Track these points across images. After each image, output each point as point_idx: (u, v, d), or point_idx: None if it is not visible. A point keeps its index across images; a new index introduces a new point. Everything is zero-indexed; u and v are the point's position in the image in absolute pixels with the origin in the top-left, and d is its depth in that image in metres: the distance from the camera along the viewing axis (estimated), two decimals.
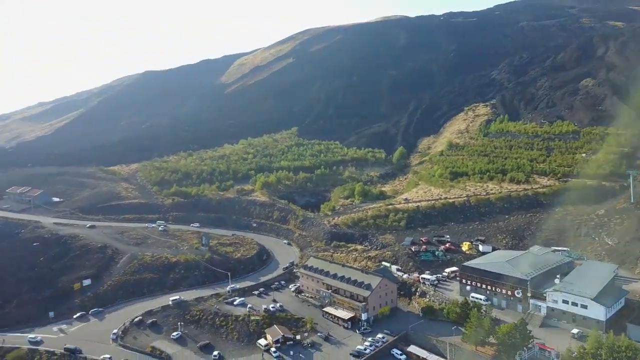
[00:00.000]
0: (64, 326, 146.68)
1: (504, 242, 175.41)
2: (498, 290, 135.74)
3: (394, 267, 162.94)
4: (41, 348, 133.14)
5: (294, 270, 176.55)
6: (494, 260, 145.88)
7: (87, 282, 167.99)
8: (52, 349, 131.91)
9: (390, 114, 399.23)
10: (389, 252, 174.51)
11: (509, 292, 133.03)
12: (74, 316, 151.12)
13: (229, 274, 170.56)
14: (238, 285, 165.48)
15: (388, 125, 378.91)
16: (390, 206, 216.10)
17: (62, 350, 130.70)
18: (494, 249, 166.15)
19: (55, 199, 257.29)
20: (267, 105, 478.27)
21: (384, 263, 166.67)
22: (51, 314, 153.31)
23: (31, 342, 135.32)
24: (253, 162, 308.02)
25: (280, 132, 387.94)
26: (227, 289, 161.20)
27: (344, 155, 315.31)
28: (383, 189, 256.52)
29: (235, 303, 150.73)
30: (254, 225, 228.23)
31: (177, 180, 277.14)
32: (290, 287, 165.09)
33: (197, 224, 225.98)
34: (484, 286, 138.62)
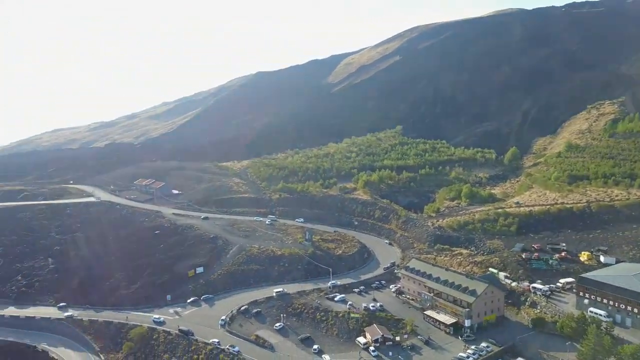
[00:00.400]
0: (178, 309, 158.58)
1: (631, 254, 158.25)
2: (622, 306, 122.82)
3: (501, 274, 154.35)
4: (159, 328, 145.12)
5: (395, 270, 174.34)
6: (618, 273, 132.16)
7: (199, 269, 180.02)
8: (168, 329, 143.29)
9: (502, 113, 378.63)
10: (497, 258, 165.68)
11: (636, 310, 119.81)
12: (188, 300, 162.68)
13: (331, 270, 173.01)
14: (339, 282, 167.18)
15: (499, 124, 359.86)
16: (500, 210, 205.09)
17: (177, 331, 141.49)
18: (617, 261, 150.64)
19: (175, 191, 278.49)
20: (372, 104, 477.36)
21: (490, 269, 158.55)
22: (168, 297, 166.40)
23: (155, 322, 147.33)
24: (356, 160, 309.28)
25: (384, 130, 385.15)
26: (328, 284, 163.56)
27: (451, 155, 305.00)
28: (492, 191, 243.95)
29: (335, 299, 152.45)
30: (356, 223, 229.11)
31: (284, 176, 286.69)
32: (390, 287, 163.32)
33: (301, 219, 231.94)
34: (605, 301, 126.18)
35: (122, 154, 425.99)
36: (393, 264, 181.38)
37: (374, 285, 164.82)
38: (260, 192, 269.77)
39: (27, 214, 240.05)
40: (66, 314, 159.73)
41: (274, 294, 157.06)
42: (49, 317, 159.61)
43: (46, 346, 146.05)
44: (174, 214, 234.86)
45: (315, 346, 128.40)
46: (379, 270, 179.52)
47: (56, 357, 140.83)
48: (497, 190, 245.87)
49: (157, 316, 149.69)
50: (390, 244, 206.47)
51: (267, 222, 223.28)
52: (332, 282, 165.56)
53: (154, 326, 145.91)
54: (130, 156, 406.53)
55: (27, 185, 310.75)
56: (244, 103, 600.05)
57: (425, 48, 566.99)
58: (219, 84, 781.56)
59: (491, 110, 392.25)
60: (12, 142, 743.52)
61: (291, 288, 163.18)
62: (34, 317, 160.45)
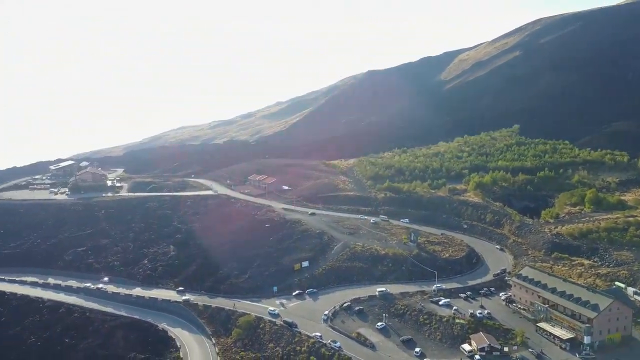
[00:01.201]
0: (284, 301, 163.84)
1: None
2: None
3: (630, 290, 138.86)
4: (265, 317, 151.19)
5: (506, 278, 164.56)
6: None
7: (305, 263, 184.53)
8: (273, 320, 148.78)
9: (637, 111, 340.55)
10: (625, 272, 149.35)
11: None
12: (293, 293, 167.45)
13: (436, 273, 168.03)
14: (444, 286, 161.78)
15: (634, 123, 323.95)
16: (630, 218, 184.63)
17: (282, 322, 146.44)
18: None
19: (285, 187, 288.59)
20: (487, 101, 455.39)
21: (617, 283, 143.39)
22: (275, 288, 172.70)
23: (270, 314, 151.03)
24: (467, 160, 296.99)
25: (499, 129, 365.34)
26: (433, 287, 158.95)
27: (574, 157, 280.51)
28: (622, 197, 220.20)
29: (440, 303, 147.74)
30: (464, 226, 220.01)
31: (390, 175, 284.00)
32: (500, 295, 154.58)
33: (407, 220, 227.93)
34: None
35: (238, 151, 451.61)
36: (504, 271, 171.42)
37: (482, 291, 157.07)
38: (366, 191, 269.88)
39: (154, 204, 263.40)
40: (184, 297, 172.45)
41: (377, 293, 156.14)
42: (169, 300, 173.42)
43: (166, 326, 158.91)
44: (283, 208, 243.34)
45: (417, 349, 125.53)
46: (488, 277, 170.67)
47: (174, 337, 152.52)
48: (628, 197, 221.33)
49: (272, 308, 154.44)
50: (501, 249, 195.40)
51: (371, 221, 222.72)
52: (437, 285, 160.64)
53: (262, 315, 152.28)
54: (245, 153, 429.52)
55: (155, 178, 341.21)
56: (354, 102, 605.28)
57: (549, 42, 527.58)
58: (329, 83, 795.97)
59: (623, 108, 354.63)
60: (144, 138, 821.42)
61: (394, 288, 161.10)
62: (156, 299, 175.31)
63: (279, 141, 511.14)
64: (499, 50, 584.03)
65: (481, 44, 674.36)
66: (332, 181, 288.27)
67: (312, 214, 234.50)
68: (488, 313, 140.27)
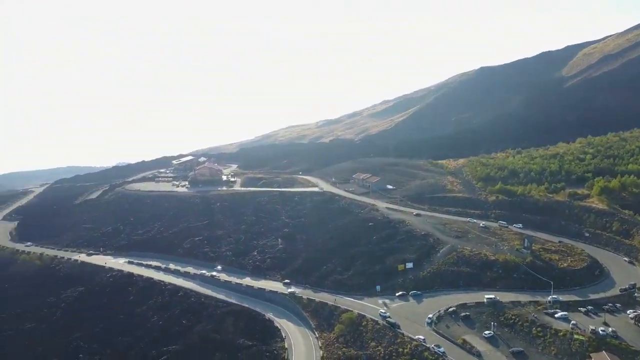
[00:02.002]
0: (387, 301, 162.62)
1: None
2: None
3: None
4: (368, 315, 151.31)
5: (635, 294, 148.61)
6: None
7: (409, 265, 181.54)
8: (375, 319, 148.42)
9: None
10: None
11: None
12: (396, 294, 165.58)
13: (552, 283, 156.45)
14: (561, 298, 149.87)
15: None
16: None
17: (384, 322, 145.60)
18: None
19: (389, 187, 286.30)
20: (616, 98, 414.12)
21: None
22: (378, 287, 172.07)
23: (382, 316, 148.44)
24: (591, 163, 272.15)
25: (630, 130, 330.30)
26: (549, 298, 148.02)
27: None
28: None
29: (556, 316, 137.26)
30: (586, 234, 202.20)
31: (503, 177, 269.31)
32: (627, 312, 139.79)
33: (520, 225, 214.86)
34: None
35: (343, 149, 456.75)
36: (633, 286, 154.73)
37: (606, 307, 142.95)
38: (475, 193, 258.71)
39: (264, 199, 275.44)
40: (289, 290, 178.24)
41: (485, 300, 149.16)
42: (276, 291, 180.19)
43: (272, 316, 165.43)
44: (387, 208, 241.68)
45: None
46: (614, 291, 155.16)
47: (279, 327, 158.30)
48: None
49: (383, 310, 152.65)
50: (630, 262, 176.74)
51: (481, 225, 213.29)
52: (553, 296, 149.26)
53: (364, 313, 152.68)
54: (350, 151, 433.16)
55: (265, 174, 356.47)
56: (464, 99, 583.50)
57: None
58: (437, 81, 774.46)
59: None
60: (257, 136, 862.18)
61: (504, 296, 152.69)
62: (264, 289, 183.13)
63: (385, 140, 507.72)
64: (631, 42, 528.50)
65: (609, 36, 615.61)
66: (438, 181, 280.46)
67: (417, 214, 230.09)
68: (613, 331, 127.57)
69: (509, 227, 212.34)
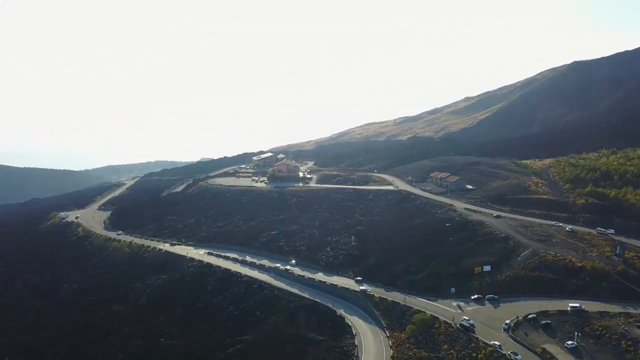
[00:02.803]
0: (461, 303, 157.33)
1: None
2: None
3: None
4: (441, 317, 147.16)
5: None
6: None
7: (487, 268, 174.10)
8: (449, 321, 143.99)
9: None
10: None
11: None
12: (472, 297, 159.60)
13: None
14: None
15: None
16: None
17: (458, 325, 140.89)
18: None
19: (469, 186, 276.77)
20: None
21: None
22: (453, 289, 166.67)
23: (464, 325, 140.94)
24: None
25: None
26: None
27: None
28: None
29: None
30: None
31: (594, 179, 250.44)
32: None
33: (612, 231, 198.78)
34: None
35: (421, 147, 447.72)
36: None
37: None
38: (562, 195, 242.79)
39: (338, 196, 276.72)
40: (361, 287, 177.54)
41: (569, 309, 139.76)
42: (348, 288, 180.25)
43: (343, 312, 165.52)
44: (465, 208, 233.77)
45: None
46: None
47: (350, 324, 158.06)
48: None
49: (466, 317, 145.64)
50: None
51: (567, 229, 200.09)
52: None
53: (436, 315, 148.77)
54: (428, 149, 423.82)
55: (341, 171, 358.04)
56: (553, 96, 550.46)
57: None
58: (525, 76, 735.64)
59: None
60: (333, 134, 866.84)
61: (590, 306, 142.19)
62: (336, 285, 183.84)
63: (465, 138, 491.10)
64: None
65: None
66: (522, 182, 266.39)
67: (497, 216, 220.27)
68: None
69: (607, 233, 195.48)
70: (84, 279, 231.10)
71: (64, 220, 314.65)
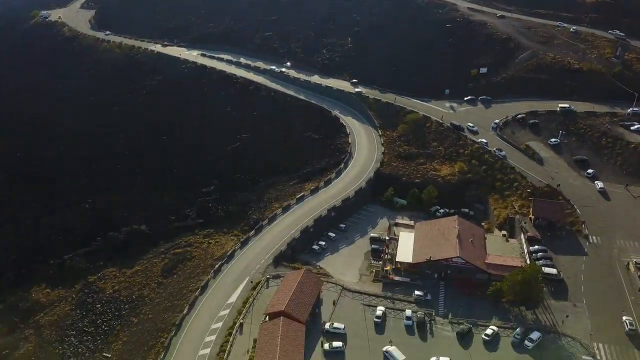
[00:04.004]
0: (454, 104, 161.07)
1: None
2: None
3: None
4: (432, 117, 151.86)
5: None
6: None
7: (483, 70, 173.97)
8: (440, 120, 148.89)
9: None
10: None
11: None
12: (465, 98, 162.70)
13: (636, 95, 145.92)
14: None
15: None
16: None
17: (449, 125, 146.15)
18: None
19: None
20: None
21: None
22: (447, 91, 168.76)
23: (453, 124, 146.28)
24: None
25: None
26: (628, 110, 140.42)
27: None
28: None
29: (632, 128, 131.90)
30: None
31: None
32: None
33: (617, 31, 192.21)
34: None
35: None
36: None
37: None
38: None
39: None
40: (356, 89, 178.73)
41: (558, 109, 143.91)
42: (343, 90, 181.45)
43: (338, 113, 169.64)
44: (469, 8, 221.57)
45: (590, 170, 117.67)
46: None
47: (344, 124, 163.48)
48: None
49: (485, 140, 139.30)
50: None
51: (571, 30, 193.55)
52: (634, 109, 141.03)
53: (428, 115, 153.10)
54: None
55: None
56: None
57: None
58: None
59: None
60: None
61: (579, 106, 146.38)
62: (331, 87, 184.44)
63: None
64: None
65: None
66: None
67: (501, 16, 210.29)
68: None
69: (621, 37, 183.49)
70: (82, 79, 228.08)
71: (46, 20, 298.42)
